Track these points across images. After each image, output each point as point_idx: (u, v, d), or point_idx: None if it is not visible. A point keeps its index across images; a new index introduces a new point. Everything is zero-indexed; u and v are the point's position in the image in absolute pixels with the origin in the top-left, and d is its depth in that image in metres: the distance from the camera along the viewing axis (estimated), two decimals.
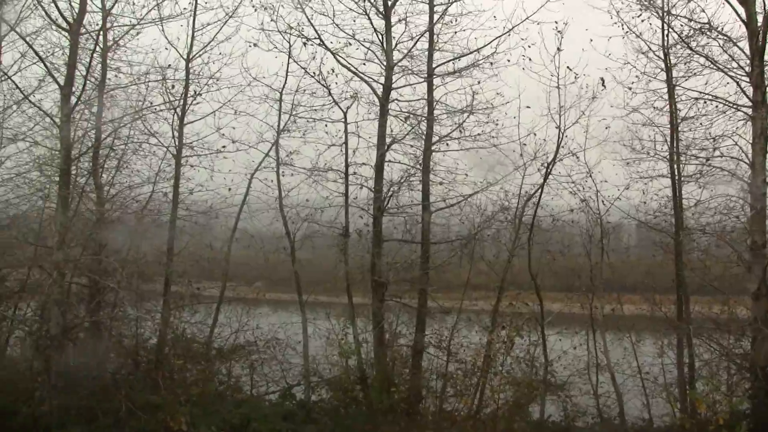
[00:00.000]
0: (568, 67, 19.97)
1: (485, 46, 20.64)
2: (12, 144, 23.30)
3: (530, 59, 19.88)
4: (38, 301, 21.02)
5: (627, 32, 20.42)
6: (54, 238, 17.84)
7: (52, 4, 18.25)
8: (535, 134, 20.35)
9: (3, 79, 22.75)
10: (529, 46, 19.88)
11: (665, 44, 20.44)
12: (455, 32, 20.99)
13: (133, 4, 21.13)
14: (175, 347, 20.70)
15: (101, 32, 20.89)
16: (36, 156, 22.72)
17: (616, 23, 20.30)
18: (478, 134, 20.92)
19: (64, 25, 18.38)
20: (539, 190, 20.86)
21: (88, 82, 20.26)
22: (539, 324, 20.67)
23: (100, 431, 17.25)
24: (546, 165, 20.62)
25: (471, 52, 20.85)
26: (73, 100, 18.68)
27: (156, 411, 17.67)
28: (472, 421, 17.77)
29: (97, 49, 20.90)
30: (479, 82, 20.83)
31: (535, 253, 21.14)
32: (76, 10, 18.45)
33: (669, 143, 20.76)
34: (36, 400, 17.32)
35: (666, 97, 20.66)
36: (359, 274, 21.33)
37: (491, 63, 20.67)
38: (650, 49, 20.51)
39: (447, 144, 21.42)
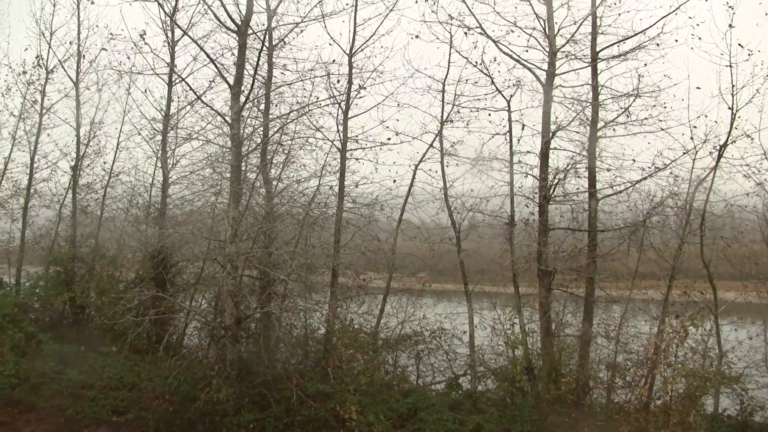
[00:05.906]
0: (740, 44, 19.45)
1: (651, 26, 20.29)
2: (186, 143, 24.72)
3: (699, 38, 19.32)
4: (212, 292, 22.12)
5: None
6: (226, 232, 18.54)
7: (221, 8, 18.93)
8: (705, 116, 19.80)
9: (177, 81, 24.16)
10: (698, 25, 19.41)
11: None
12: (619, 14, 20.66)
13: (297, 2, 21.81)
14: (343, 337, 21.06)
15: (267, 32, 21.63)
16: (208, 154, 23.95)
17: None
18: (646, 118, 20.64)
19: (233, 26, 19.03)
20: (711, 174, 20.10)
21: (255, 80, 20.95)
22: (712, 313, 20.07)
23: (273, 419, 17.88)
24: (718, 148, 19.93)
25: (636, 34, 20.48)
26: (242, 98, 19.32)
27: (326, 400, 18.15)
28: (644, 413, 17.08)
29: (264, 48, 21.65)
30: (645, 65, 20.56)
31: (707, 239, 20.51)
32: (244, 12, 19.05)
33: None
34: (213, 387, 18.10)
35: None
36: (525, 264, 21.20)
37: (657, 44, 20.26)
38: None
39: (613, 129, 21.18)
